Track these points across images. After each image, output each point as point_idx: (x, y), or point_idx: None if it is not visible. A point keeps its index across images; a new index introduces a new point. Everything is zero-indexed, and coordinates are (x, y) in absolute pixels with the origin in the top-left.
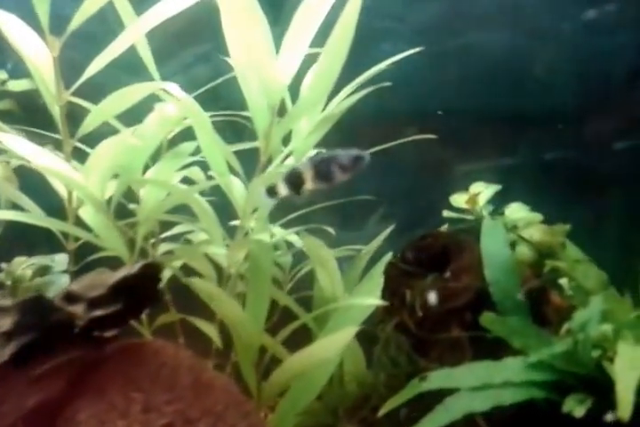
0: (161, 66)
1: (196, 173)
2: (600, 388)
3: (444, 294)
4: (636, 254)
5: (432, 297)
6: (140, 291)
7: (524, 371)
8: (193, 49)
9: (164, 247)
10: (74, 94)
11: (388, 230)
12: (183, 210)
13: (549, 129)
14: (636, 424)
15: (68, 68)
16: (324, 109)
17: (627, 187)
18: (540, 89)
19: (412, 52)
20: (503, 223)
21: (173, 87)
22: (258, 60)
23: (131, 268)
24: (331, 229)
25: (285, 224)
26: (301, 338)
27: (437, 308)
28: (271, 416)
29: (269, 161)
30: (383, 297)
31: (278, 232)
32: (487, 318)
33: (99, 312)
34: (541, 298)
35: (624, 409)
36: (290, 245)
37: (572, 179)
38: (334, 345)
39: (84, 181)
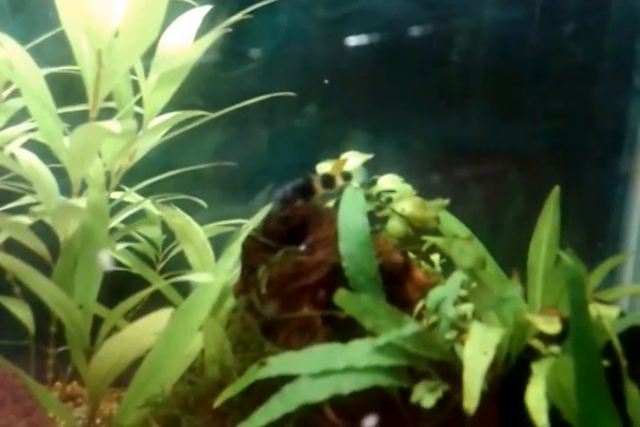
0: None
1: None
2: (455, 374)
3: (296, 270)
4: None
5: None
6: None
7: (370, 355)
8: None
9: None
10: None
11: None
12: None
13: None
14: None
15: None
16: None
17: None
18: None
19: None
20: (375, 194)
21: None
22: (79, 2)
23: None
24: (202, 202)
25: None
26: None
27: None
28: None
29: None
30: (242, 273)
31: (131, 199)
32: (341, 296)
33: None
34: (403, 274)
35: (470, 400)
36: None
37: None
38: (149, 328)
39: None
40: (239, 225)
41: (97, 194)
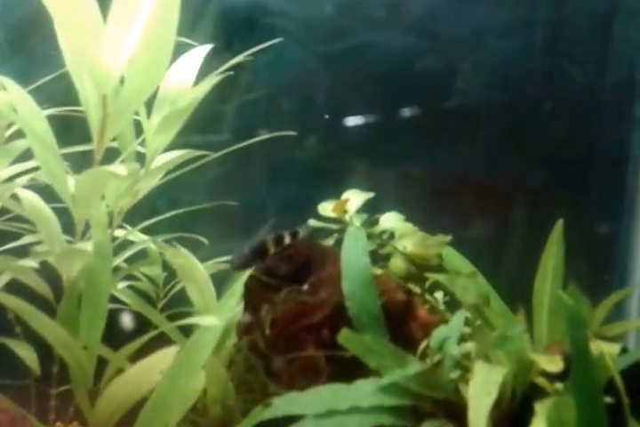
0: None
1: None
2: (460, 414)
3: (299, 310)
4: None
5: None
6: None
7: (374, 395)
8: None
9: None
10: None
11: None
12: None
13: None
14: None
15: None
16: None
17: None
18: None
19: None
20: (377, 233)
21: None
22: (84, 45)
23: None
24: (204, 239)
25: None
26: None
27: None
28: None
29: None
30: (245, 313)
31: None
32: (345, 336)
33: None
34: (406, 313)
35: None
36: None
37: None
38: (152, 368)
39: None
40: None
41: (101, 235)
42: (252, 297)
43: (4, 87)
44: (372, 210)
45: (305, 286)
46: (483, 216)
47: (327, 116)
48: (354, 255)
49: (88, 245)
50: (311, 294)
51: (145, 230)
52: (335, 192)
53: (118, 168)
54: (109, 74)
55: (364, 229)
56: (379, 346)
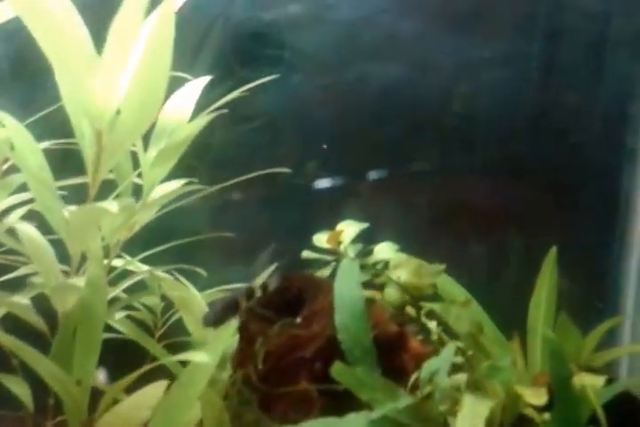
0: None
1: None
2: None
3: (292, 343)
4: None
5: None
6: None
7: None
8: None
9: None
10: None
11: (272, 268)
12: None
13: None
14: None
15: None
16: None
17: None
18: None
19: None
20: (371, 264)
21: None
22: (78, 81)
23: None
24: (202, 271)
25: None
26: None
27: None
28: None
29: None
30: (240, 345)
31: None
32: (337, 369)
33: None
34: (398, 345)
35: None
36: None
37: None
38: (147, 400)
39: None
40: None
41: (96, 269)
42: (247, 330)
43: (2, 122)
44: (367, 234)
45: (298, 319)
46: (477, 241)
47: (325, 146)
48: (346, 288)
49: (81, 281)
50: (304, 327)
51: (144, 258)
52: (333, 219)
53: (110, 205)
54: (104, 110)
55: (357, 261)
56: (370, 379)
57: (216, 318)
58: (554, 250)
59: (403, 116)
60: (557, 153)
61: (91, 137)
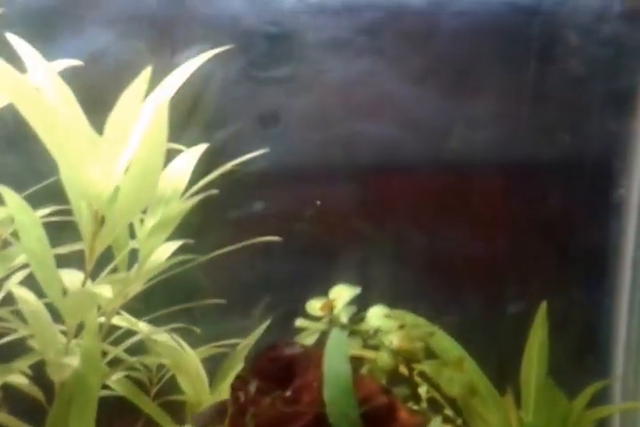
0: None
1: None
2: None
3: (281, 417)
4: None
5: None
6: None
7: None
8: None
9: None
10: None
11: (268, 322)
12: None
13: None
14: None
15: None
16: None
17: None
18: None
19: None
20: (364, 330)
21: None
22: (76, 164)
23: None
24: (196, 328)
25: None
26: None
27: None
28: None
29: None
30: (231, 415)
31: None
32: None
33: None
34: (387, 416)
35: None
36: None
37: None
38: None
39: None
40: (234, 345)
41: (90, 341)
42: (239, 399)
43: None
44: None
45: (288, 393)
46: (471, 292)
47: (319, 203)
48: (335, 362)
49: (75, 360)
50: (294, 401)
51: (136, 311)
52: (330, 270)
53: (104, 289)
54: (102, 191)
55: (347, 332)
56: None
57: (206, 421)
58: (544, 306)
59: None
60: (544, 208)
61: (88, 216)
